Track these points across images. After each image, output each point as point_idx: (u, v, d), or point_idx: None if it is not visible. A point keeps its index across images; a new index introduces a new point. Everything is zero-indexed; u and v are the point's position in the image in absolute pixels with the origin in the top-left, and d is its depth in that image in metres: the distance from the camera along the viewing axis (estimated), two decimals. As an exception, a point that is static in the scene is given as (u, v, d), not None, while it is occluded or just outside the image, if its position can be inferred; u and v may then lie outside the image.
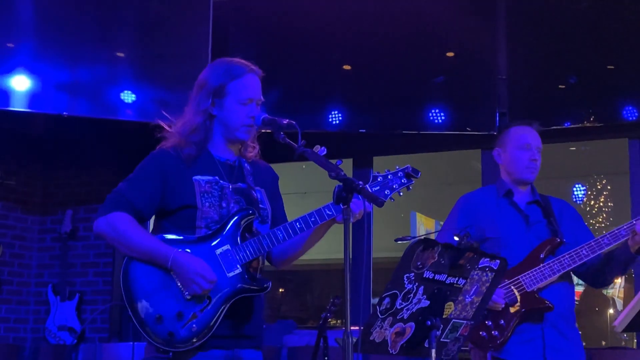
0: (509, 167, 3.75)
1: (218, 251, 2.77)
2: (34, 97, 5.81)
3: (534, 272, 3.54)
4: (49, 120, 6.57)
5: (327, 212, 2.76)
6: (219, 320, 2.72)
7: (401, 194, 2.83)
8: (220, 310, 2.72)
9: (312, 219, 2.77)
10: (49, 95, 5.87)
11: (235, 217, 2.80)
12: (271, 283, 2.83)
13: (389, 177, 2.81)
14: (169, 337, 2.70)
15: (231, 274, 2.76)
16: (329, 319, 5.75)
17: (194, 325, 2.70)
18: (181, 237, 2.79)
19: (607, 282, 3.81)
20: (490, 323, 3.54)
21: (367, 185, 2.76)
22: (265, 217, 2.93)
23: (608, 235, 3.51)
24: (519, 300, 3.54)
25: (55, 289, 7.17)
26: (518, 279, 3.54)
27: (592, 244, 3.51)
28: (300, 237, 2.88)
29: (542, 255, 3.57)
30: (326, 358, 5.56)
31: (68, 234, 7.24)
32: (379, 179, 2.80)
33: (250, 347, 2.88)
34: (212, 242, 2.78)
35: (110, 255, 7.20)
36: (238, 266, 2.76)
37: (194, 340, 2.70)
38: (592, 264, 3.62)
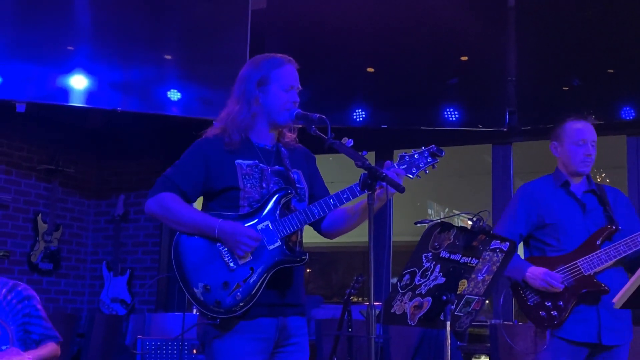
0: (566, 161, 3.63)
1: (259, 227, 2.75)
2: (90, 94, 5.84)
3: (592, 257, 3.44)
4: (104, 114, 6.62)
5: (357, 188, 2.70)
6: (262, 288, 2.70)
7: (427, 172, 2.77)
8: (262, 279, 2.70)
9: (345, 196, 2.74)
10: (104, 92, 5.90)
11: (275, 196, 2.79)
12: (308, 255, 2.81)
13: (415, 156, 2.75)
14: (216, 305, 2.69)
15: (271, 247, 2.74)
16: (353, 296, 5.75)
17: (239, 294, 2.68)
18: (225, 214, 2.77)
19: None
20: (549, 304, 3.47)
21: (394, 164, 2.74)
22: (303, 196, 2.90)
23: None
24: (576, 283, 3.45)
25: (108, 266, 7.25)
26: (576, 263, 3.46)
27: None
28: (341, 215, 2.87)
29: (598, 242, 3.47)
30: (350, 329, 5.57)
31: (120, 217, 7.30)
32: (405, 159, 2.76)
33: (295, 314, 2.85)
34: (254, 218, 2.76)
35: (157, 236, 7.25)
36: (278, 240, 2.74)
37: (239, 307, 2.68)
38: (636, 256, 3.49)
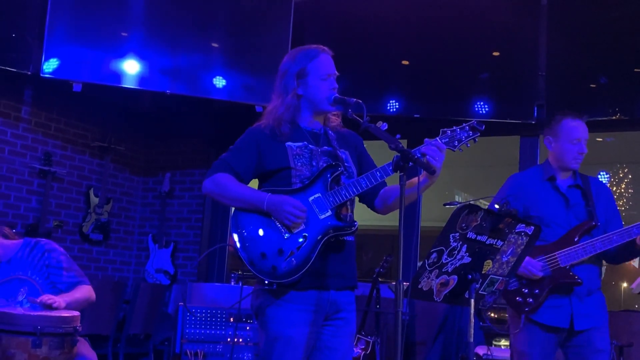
0: (559, 156, 3.59)
1: (311, 198, 2.75)
2: (142, 78, 5.90)
3: (569, 251, 3.45)
4: (154, 97, 6.66)
5: (401, 163, 2.65)
6: (315, 254, 2.70)
7: (469, 145, 2.73)
8: (315, 246, 2.70)
9: (390, 168, 2.72)
10: (154, 76, 5.95)
11: (325, 171, 2.79)
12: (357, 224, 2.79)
13: (457, 131, 2.72)
14: (272, 271, 2.68)
15: (323, 216, 2.74)
16: (381, 276, 5.75)
17: (294, 260, 2.68)
18: (277, 190, 2.79)
19: (619, 263, 3.70)
20: (526, 290, 3.49)
21: (436, 138, 2.70)
22: (351, 174, 2.88)
23: (637, 225, 3.38)
24: (553, 273, 3.47)
25: (154, 238, 7.32)
26: (555, 255, 3.47)
27: (622, 232, 3.39)
28: (393, 191, 2.85)
29: (576, 237, 3.47)
30: (378, 306, 5.58)
31: (166, 193, 7.36)
32: (447, 133, 2.72)
33: (346, 289, 2.85)
34: (306, 191, 2.77)
35: (200, 212, 7.31)
36: (329, 209, 2.75)
37: (295, 272, 2.68)
38: (615, 250, 3.51)
